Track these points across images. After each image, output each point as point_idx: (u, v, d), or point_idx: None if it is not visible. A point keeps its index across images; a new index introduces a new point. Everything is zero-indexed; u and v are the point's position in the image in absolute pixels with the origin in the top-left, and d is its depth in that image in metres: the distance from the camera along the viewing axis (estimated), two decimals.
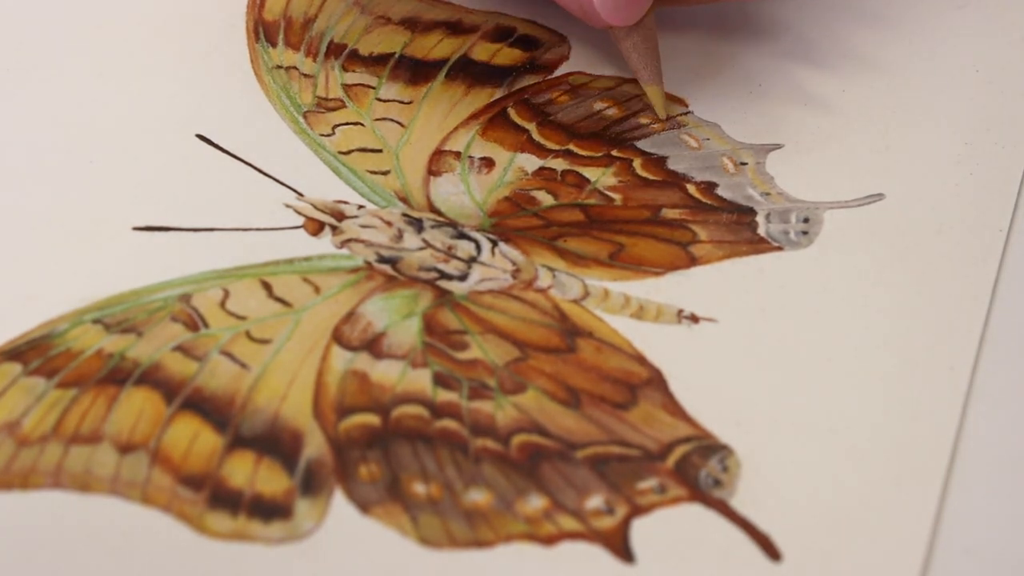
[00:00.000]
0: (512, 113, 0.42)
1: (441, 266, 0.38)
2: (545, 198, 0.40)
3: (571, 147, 0.41)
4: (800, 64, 0.43)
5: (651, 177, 0.40)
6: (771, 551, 0.33)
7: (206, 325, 0.37)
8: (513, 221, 0.39)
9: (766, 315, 0.38)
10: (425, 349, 0.37)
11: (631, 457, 0.35)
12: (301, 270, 0.38)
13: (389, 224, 0.39)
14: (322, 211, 0.39)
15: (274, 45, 0.43)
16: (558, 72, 0.43)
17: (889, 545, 0.33)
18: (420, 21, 0.44)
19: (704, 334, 0.37)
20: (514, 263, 0.38)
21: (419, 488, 0.34)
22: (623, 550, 0.33)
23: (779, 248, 0.39)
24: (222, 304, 0.37)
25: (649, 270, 0.38)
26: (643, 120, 0.42)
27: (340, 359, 0.36)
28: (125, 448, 0.35)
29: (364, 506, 0.34)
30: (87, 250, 0.38)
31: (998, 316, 0.38)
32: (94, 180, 0.40)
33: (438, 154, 0.41)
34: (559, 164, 0.41)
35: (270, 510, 0.34)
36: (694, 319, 0.37)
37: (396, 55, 0.43)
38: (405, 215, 0.39)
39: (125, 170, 0.40)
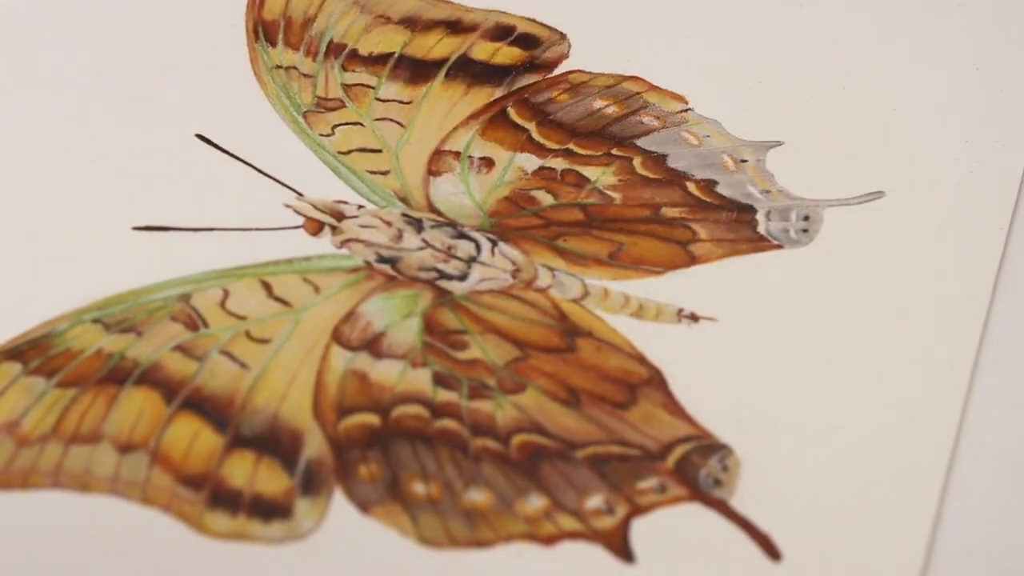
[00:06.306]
0: (512, 112, 0.42)
1: (441, 266, 0.38)
2: (545, 198, 0.40)
3: (571, 146, 0.41)
4: (800, 62, 0.43)
5: (651, 175, 0.40)
6: (771, 551, 0.33)
7: (206, 325, 0.37)
8: (513, 221, 0.39)
9: (766, 314, 0.38)
10: (425, 349, 0.37)
11: (631, 457, 0.35)
12: (301, 270, 0.38)
13: (389, 224, 0.39)
14: (322, 211, 0.39)
15: (274, 45, 0.43)
16: (558, 71, 0.43)
17: (889, 545, 0.33)
18: (419, 20, 0.44)
19: (704, 333, 0.37)
20: (514, 263, 0.38)
21: (419, 488, 0.34)
22: (623, 550, 0.33)
23: (779, 246, 0.39)
24: (222, 304, 0.37)
25: (649, 269, 0.38)
26: (643, 117, 0.42)
27: (340, 359, 0.36)
28: (125, 448, 0.35)
29: (364, 506, 0.34)
30: (87, 250, 0.38)
31: (998, 315, 0.38)
32: (94, 180, 0.40)
33: (438, 154, 0.41)
34: (559, 163, 0.41)
35: (270, 510, 0.34)
36: (694, 318, 0.37)
37: (396, 55, 0.43)
38: (405, 215, 0.39)
39: (125, 170, 0.40)
